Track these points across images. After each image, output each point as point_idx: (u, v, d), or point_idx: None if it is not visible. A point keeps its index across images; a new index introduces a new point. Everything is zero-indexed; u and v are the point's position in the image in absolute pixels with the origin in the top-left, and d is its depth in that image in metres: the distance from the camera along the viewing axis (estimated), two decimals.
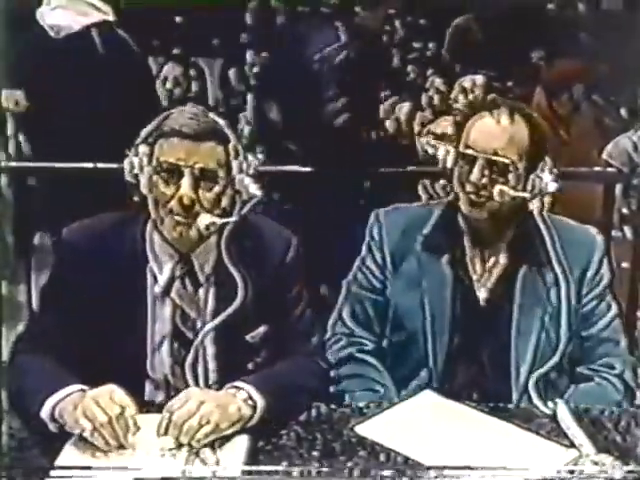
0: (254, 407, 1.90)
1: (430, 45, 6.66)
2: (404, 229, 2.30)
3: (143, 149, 2.03)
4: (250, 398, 1.91)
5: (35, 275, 3.38)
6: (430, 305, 2.25)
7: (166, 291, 2.09)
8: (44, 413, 1.86)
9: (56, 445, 1.83)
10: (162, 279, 2.08)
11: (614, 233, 3.73)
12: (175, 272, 2.09)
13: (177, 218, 2.01)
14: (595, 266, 2.26)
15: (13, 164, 3.36)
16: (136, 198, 2.08)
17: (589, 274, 2.26)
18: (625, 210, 4.20)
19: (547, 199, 2.26)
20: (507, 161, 2.17)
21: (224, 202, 2.04)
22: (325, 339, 2.27)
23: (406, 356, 2.26)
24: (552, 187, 2.20)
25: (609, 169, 3.82)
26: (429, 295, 2.25)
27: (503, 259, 2.26)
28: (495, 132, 2.20)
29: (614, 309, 2.29)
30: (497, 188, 2.17)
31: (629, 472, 1.79)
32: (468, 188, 2.20)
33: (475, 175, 2.18)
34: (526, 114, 2.24)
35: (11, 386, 1.93)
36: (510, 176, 2.18)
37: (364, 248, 2.34)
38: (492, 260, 2.27)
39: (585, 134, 4.93)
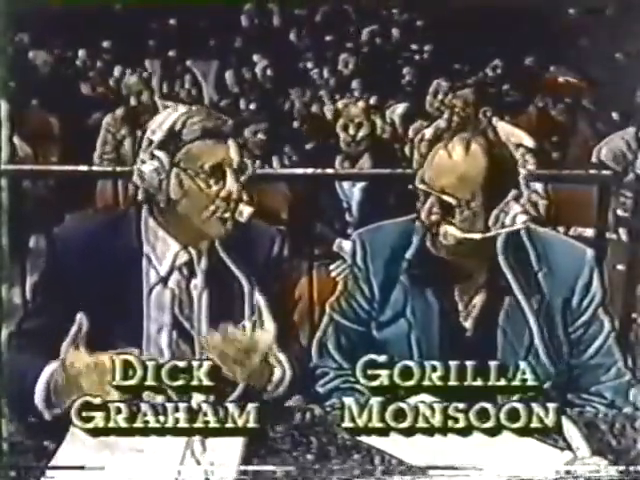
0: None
1: (426, 47, 6.69)
2: (389, 254, 2.21)
3: (160, 154, 2.07)
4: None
5: (30, 277, 3.38)
6: (417, 338, 2.17)
7: (165, 281, 2.13)
8: (38, 392, 1.89)
9: (50, 448, 1.84)
10: (163, 269, 2.13)
11: (609, 235, 3.73)
12: (175, 263, 2.14)
13: (222, 215, 2.09)
14: (582, 292, 2.16)
15: (8, 167, 3.34)
16: (162, 205, 2.11)
17: (575, 302, 2.16)
18: (620, 212, 4.20)
19: (542, 204, 2.17)
20: (452, 201, 2.05)
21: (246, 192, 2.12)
22: (310, 368, 2.23)
23: None
24: (520, 220, 2.06)
25: (604, 172, 3.81)
26: (416, 327, 2.18)
27: (483, 292, 2.17)
28: (446, 168, 2.07)
29: (606, 328, 2.19)
30: (443, 228, 2.07)
31: (623, 474, 1.79)
32: (424, 224, 2.11)
33: (424, 212, 2.09)
34: (485, 144, 2.07)
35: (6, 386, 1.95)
36: (458, 216, 2.06)
37: (349, 275, 2.26)
38: (474, 291, 2.18)
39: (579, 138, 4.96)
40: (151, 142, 2.08)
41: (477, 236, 2.08)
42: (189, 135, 2.07)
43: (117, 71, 6.41)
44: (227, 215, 2.10)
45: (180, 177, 2.07)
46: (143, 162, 2.09)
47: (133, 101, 5.45)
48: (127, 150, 5.20)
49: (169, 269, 2.13)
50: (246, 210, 2.11)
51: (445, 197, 2.06)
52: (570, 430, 1.92)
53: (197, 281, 2.15)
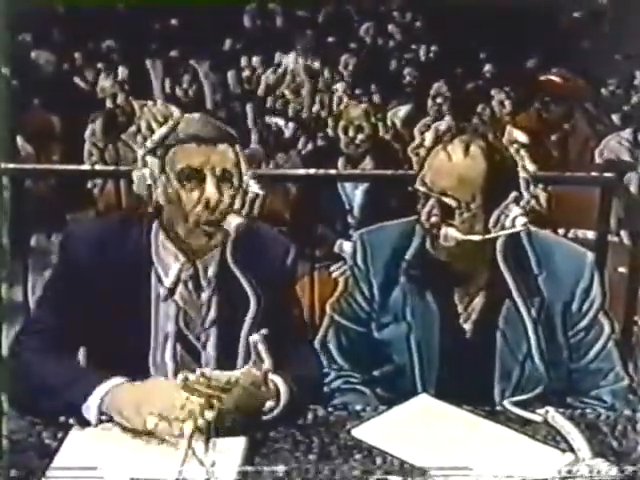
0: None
1: (429, 48, 6.70)
2: (389, 255, 2.20)
3: (151, 160, 2.04)
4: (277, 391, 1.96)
5: (32, 276, 3.38)
6: (417, 339, 2.17)
7: (170, 293, 2.11)
8: (92, 404, 1.88)
9: (52, 446, 1.84)
10: (168, 281, 2.10)
11: (611, 238, 3.73)
12: (180, 275, 2.11)
13: (206, 228, 2.03)
14: (582, 296, 2.16)
15: (10, 166, 3.35)
16: (150, 209, 2.09)
17: (575, 306, 2.16)
18: (622, 214, 4.21)
19: (542, 197, 2.15)
20: (453, 203, 2.05)
21: (237, 203, 2.06)
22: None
23: (395, 389, 2.18)
24: (520, 223, 2.05)
25: (605, 174, 3.81)
26: (416, 329, 2.17)
27: (483, 294, 2.17)
28: (445, 170, 2.06)
29: (606, 332, 2.19)
30: (443, 230, 2.06)
31: (625, 476, 1.79)
32: (424, 226, 2.11)
33: (424, 215, 2.08)
34: (485, 147, 2.06)
35: (18, 385, 1.95)
36: (458, 218, 2.06)
37: (349, 275, 2.26)
38: (474, 293, 2.18)
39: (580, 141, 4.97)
40: (145, 147, 2.07)
41: (477, 238, 2.07)
42: (175, 139, 2.03)
43: (120, 71, 6.42)
44: (211, 229, 2.03)
45: (164, 182, 2.03)
46: (136, 167, 2.07)
47: (109, 104, 5.46)
48: (112, 157, 5.20)
49: (174, 282, 2.10)
50: (233, 221, 2.02)
51: (445, 199, 2.06)
52: (572, 432, 1.92)
53: (204, 294, 2.13)
